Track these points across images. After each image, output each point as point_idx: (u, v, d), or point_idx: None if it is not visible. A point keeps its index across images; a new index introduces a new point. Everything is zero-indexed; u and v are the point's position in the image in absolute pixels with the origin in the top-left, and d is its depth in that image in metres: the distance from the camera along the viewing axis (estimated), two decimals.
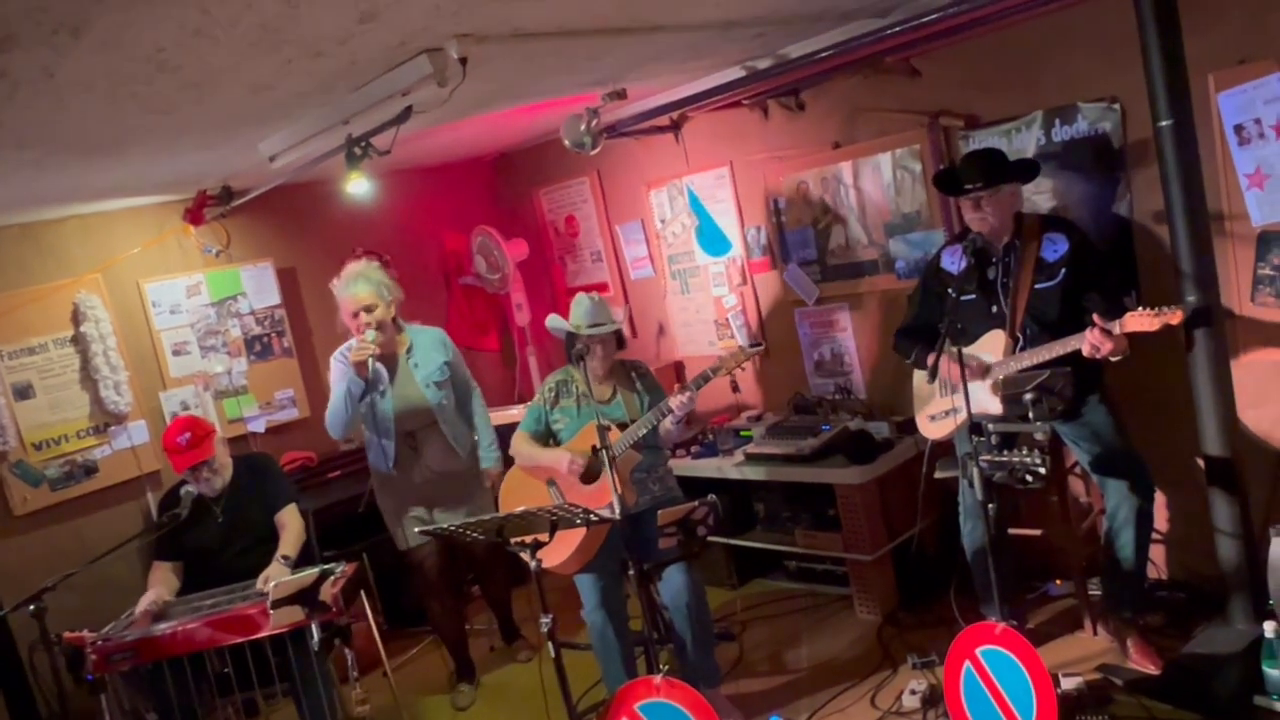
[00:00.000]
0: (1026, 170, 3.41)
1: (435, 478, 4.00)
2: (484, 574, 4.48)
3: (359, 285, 3.79)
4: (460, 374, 4.13)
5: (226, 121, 3.06)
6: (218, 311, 4.95)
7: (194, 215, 4.74)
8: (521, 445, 3.71)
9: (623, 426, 3.48)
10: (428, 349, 4.02)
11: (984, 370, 3.32)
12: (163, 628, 3.34)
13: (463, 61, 2.60)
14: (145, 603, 3.49)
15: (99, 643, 3.29)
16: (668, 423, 3.42)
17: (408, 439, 3.96)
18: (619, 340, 3.66)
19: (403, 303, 3.99)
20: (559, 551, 3.39)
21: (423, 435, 3.97)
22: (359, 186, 3.66)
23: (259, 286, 5.08)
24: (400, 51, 2.58)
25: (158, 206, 4.79)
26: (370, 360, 3.72)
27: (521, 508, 2.90)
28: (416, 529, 3.36)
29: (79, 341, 4.50)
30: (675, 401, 3.34)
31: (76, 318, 4.50)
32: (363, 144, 3.22)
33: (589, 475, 3.54)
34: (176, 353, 4.83)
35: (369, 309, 3.78)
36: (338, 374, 3.88)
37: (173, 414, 4.68)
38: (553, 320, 3.64)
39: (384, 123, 3.09)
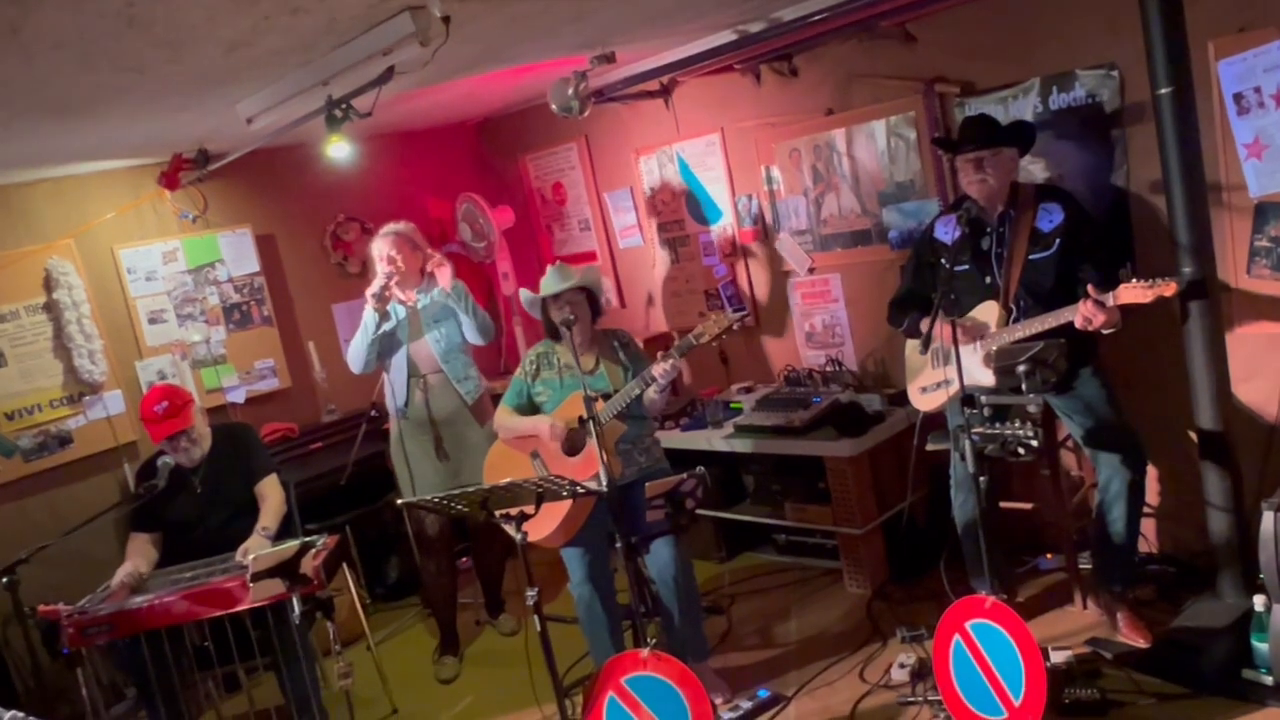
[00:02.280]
0: (1025, 134, 3.37)
1: (442, 424, 4.06)
2: (480, 542, 4.43)
3: (391, 235, 4.04)
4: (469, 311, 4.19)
5: (202, 81, 2.96)
6: (195, 279, 4.85)
7: (169, 179, 4.62)
8: (503, 418, 3.67)
9: (606, 396, 3.43)
10: (440, 292, 4.13)
11: (980, 333, 3.28)
12: (140, 601, 3.28)
13: (446, 20, 2.53)
14: (122, 575, 3.44)
15: (74, 616, 3.23)
16: (651, 391, 3.37)
17: (419, 383, 4.06)
18: (594, 308, 3.60)
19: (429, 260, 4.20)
20: (545, 524, 3.35)
21: (433, 380, 4.06)
22: (340, 150, 3.60)
23: (237, 253, 4.98)
24: (381, 9, 2.50)
25: (132, 170, 4.67)
26: (381, 290, 3.90)
27: (507, 479, 2.85)
28: (399, 501, 3.35)
29: (51, 309, 4.40)
30: (658, 369, 3.29)
31: (49, 284, 4.39)
32: (343, 106, 3.15)
33: (573, 446, 3.49)
34: (153, 321, 4.73)
35: (394, 256, 3.98)
36: (367, 311, 4.05)
37: (149, 383, 4.60)
38: (523, 294, 3.64)
39: (365, 84, 3.01)
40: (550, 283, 3.54)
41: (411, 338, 4.07)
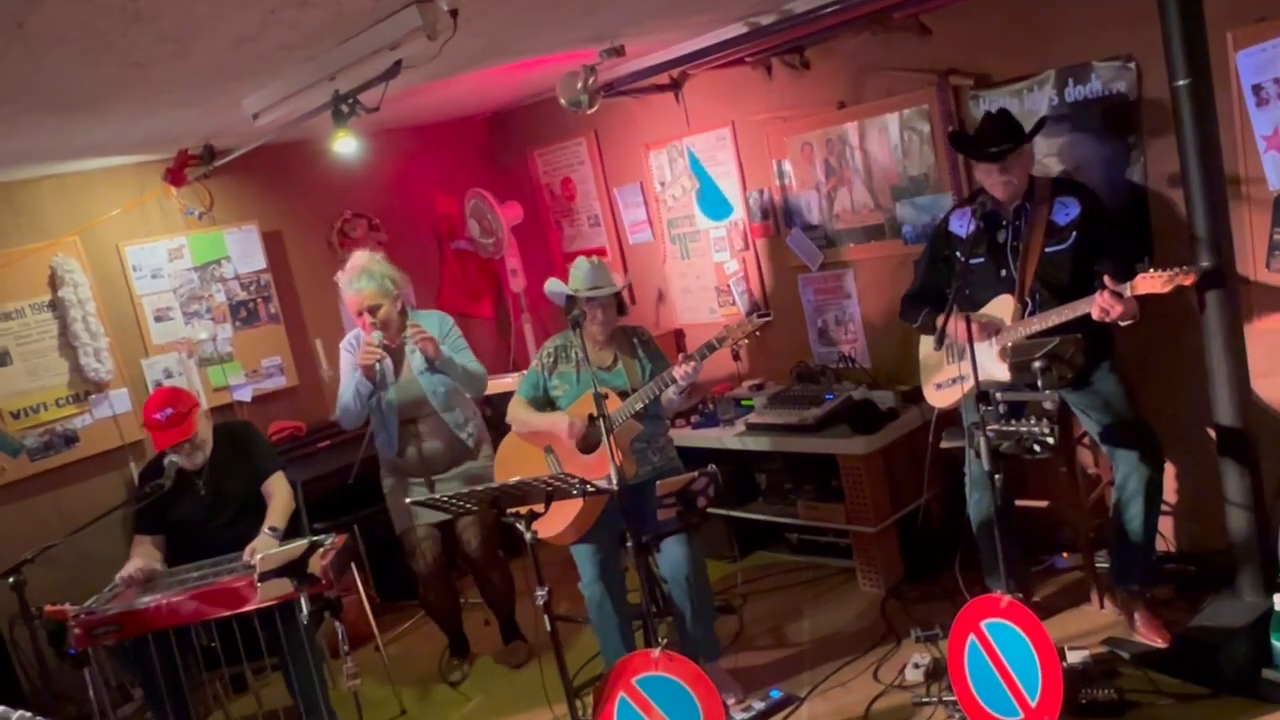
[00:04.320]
0: (1037, 130, 3.33)
1: (437, 466, 3.92)
2: (481, 578, 4.23)
3: (362, 282, 3.72)
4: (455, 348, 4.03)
5: (207, 76, 2.94)
6: (201, 276, 4.83)
7: (175, 176, 4.61)
8: (518, 411, 3.63)
9: (623, 394, 3.40)
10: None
11: (995, 328, 3.24)
12: (147, 601, 3.26)
13: (454, 14, 2.52)
14: (131, 569, 3.41)
15: (81, 616, 3.22)
16: (671, 392, 3.34)
17: (409, 426, 3.89)
18: (620, 305, 3.57)
19: (407, 290, 3.99)
20: (556, 522, 3.32)
21: (424, 424, 3.90)
22: (347, 146, 3.57)
23: (244, 250, 4.95)
24: (389, 3, 2.48)
25: (137, 166, 4.65)
26: (377, 361, 3.71)
27: (517, 477, 2.82)
28: (408, 500, 3.28)
29: (57, 307, 4.38)
30: (680, 371, 3.26)
31: (54, 282, 4.38)
32: (350, 101, 3.12)
33: (588, 444, 3.45)
34: (159, 319, 4.71)
35: (374, 309, 3.72)
36: (347, 364, 3.86)
37: (155, 382, 4.58)
38: (551, 284, 3.55)
39: (372, 78, 2.98)
40: (584, 279, 3.45)
41: (401, 390, 3.85)
